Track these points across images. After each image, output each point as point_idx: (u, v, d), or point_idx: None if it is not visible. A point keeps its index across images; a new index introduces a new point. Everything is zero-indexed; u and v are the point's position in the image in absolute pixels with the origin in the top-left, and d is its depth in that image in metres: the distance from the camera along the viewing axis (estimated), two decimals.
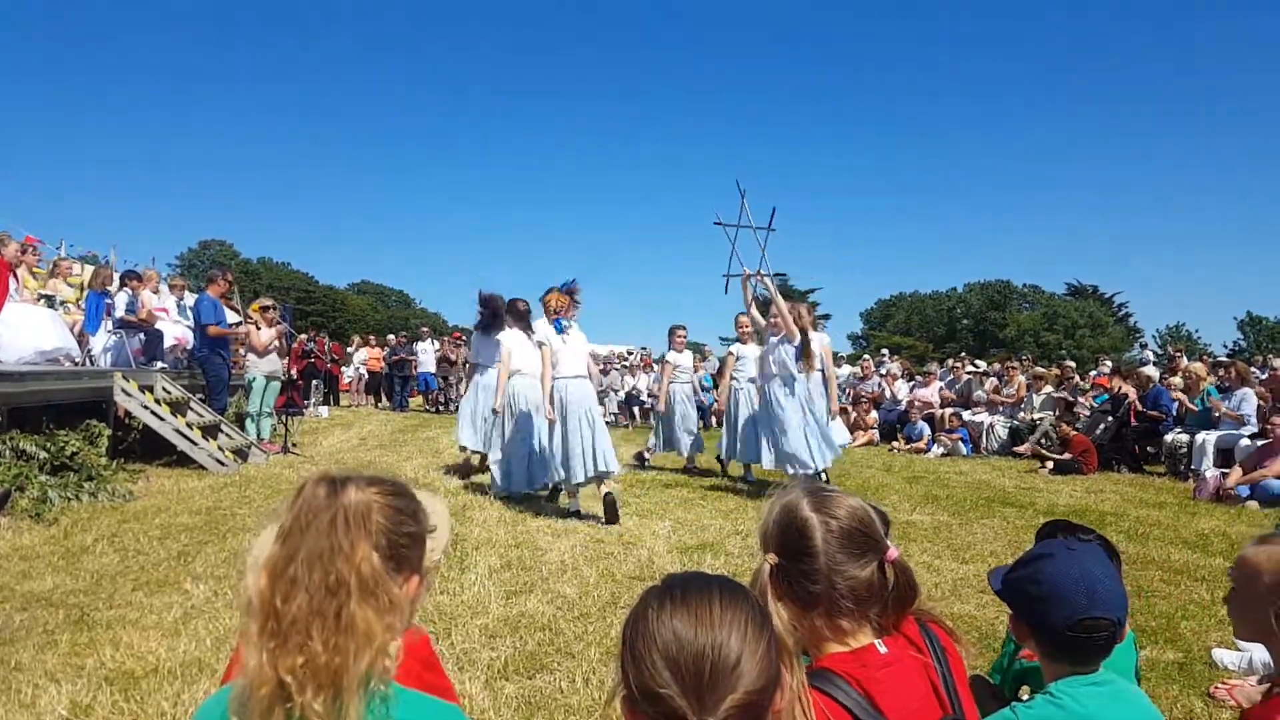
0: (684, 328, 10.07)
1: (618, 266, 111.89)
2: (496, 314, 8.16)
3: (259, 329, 10.50)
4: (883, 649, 1.43)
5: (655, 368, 18.67)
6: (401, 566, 1.22)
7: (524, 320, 7.68)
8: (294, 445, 10.50)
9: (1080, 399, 12.18)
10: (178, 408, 8.99)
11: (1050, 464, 10.35)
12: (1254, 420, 9.40)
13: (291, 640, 1.08)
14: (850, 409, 14.11)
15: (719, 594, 1.07)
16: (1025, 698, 2.11)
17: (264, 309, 10.89)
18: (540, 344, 6.73)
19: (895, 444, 13.15)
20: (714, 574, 1.13)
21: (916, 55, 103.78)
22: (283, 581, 1.10)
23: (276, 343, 10.63)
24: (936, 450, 12.48)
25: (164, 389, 9.18)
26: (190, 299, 11.99)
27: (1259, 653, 3.41)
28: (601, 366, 17.30)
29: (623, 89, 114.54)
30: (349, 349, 22.94)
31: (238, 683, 1.10)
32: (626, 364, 19.29)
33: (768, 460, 7.78)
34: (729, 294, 8.15)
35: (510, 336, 7.58)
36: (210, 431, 9.10)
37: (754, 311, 8.16)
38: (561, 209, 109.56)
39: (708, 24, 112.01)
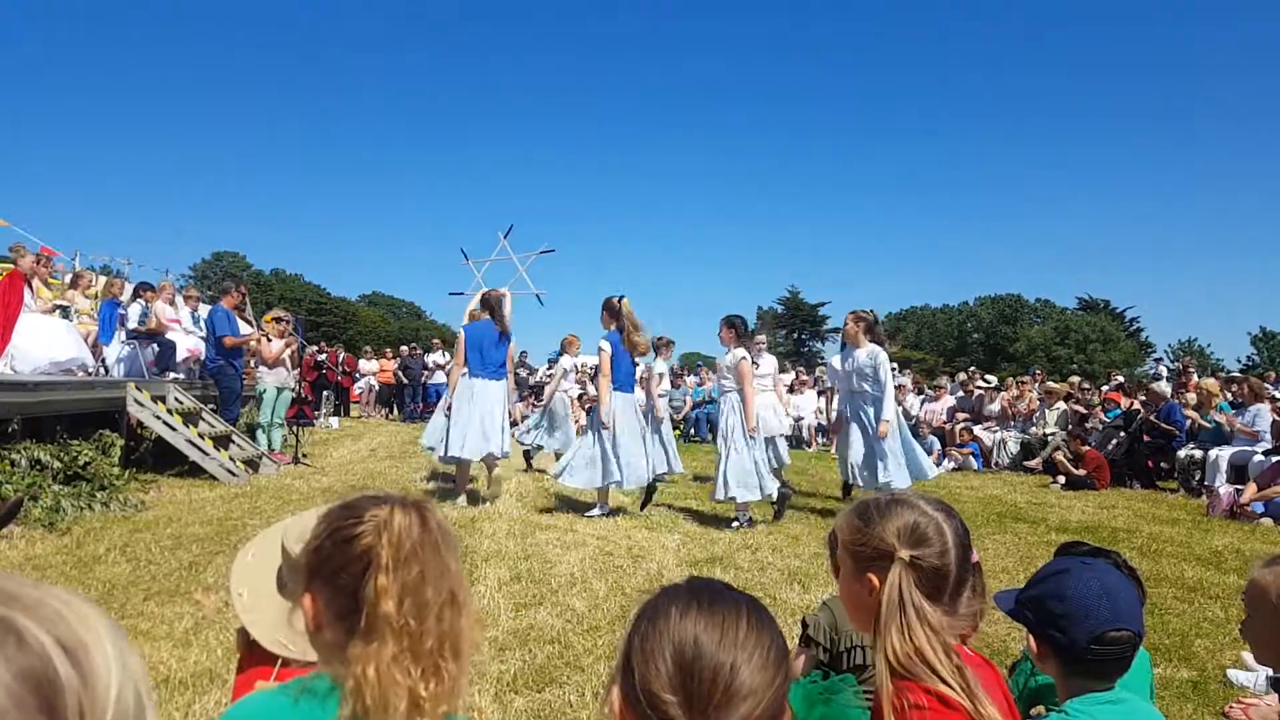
0: (762, 333, 9.42)
1: (623, 274, 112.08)
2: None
3: (269, 340, 10.57)
4: (968, 650, 1.48)
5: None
6: None
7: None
8: (304, 456, 10.53)
9: (1093, 413, 12.13)
10: (189, 418, 9.04)
11: (1062, 479, 10.29)
12: (1269, 436, 9.33)
13: (427, 661, 1.13)
14: None
15: (747, 612, 1.01)
16: (1037, 715, 2.10)
17: (276, 320, 10.96)
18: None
19: None
20: (741, 591, 1.07)
21: (928, 66, 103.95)
22: (412, 605, 1.13)
23: (287, 354, 10.69)
24: (948, 465, 12.43)
25: (176, 399, 9.23)
26: (204, 310, 12.09)
27: (1274, 672, 3.37)
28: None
29: (630, 95, 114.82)
30: (362, 360, 23.04)
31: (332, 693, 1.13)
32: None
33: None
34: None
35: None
36: (221, 442, 9.15)
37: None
38: (567, 217, 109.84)
39: (715, 28, 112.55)
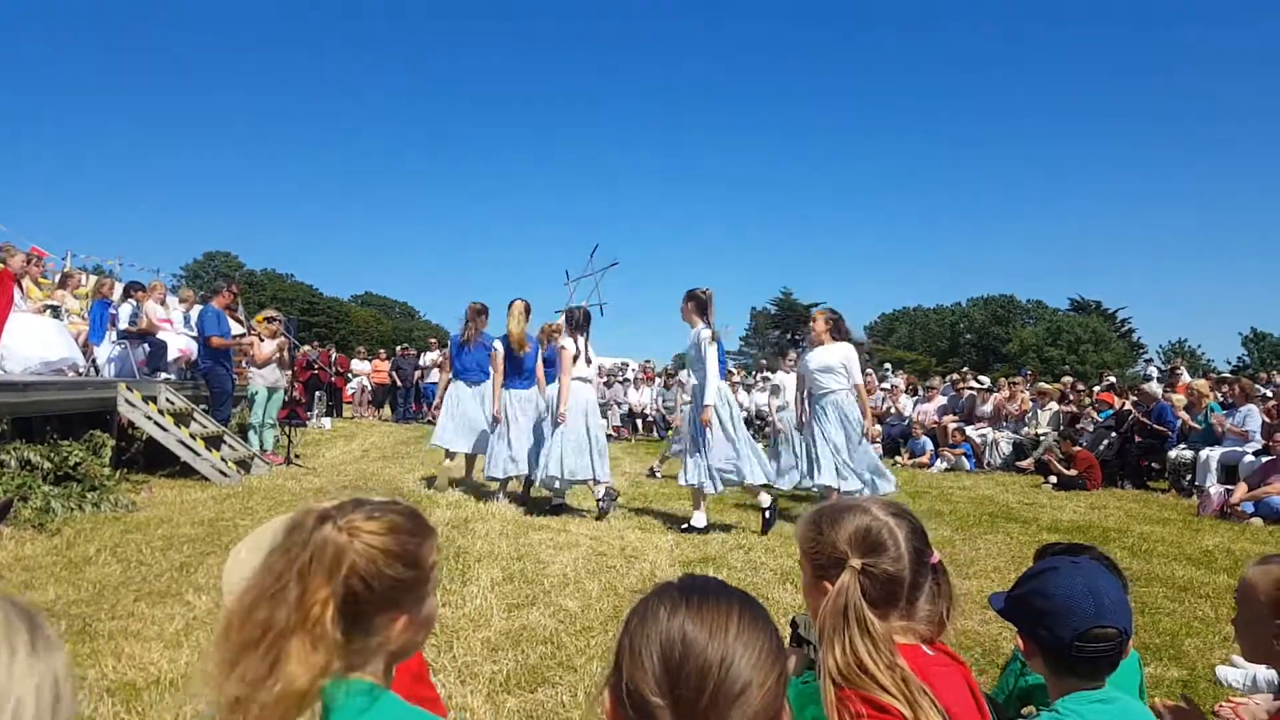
0: (795, 349, 10.35)
1: (616, 273, 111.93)
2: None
3: (261, 340, 10.53)
4: (930, 652, 1.46)
5: (657, 381, 18.69)
6: (383, 608, 1.20)
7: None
8: (296, 457, 10.50)
9: (1085, 413, 12.17)
10: (181, 419, 9.00)
11: (1054, 479, 10.33)
12: (1259, 437, 9.39)
13: (231, 669, 1.08)
14: None
15: (739, 609, 0.96)
16: (1028, 714, 2.10)
17: (268, 320, 10.92)
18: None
19: (898, 459, 13.14)
20: (736, 588, 1.03)
21: (922, 66, 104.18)
22: (241, 609, 1.10)
23: (278, 354, 10.65)
24: (940, 465, 12.47)
25: (167, 400, 9.19)
26: (197, 312, 12.04)
27: (1263, 671, 3.39)
28: (604, 379, 17.48)
29: (629, 95, 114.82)
30: (355, 361, 23.01)
31: None
32: (628, 378, 19.28)
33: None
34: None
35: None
36: (213, 442, 9.11)
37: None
38: (564, 217, 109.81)
39: (714, 28, 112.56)
